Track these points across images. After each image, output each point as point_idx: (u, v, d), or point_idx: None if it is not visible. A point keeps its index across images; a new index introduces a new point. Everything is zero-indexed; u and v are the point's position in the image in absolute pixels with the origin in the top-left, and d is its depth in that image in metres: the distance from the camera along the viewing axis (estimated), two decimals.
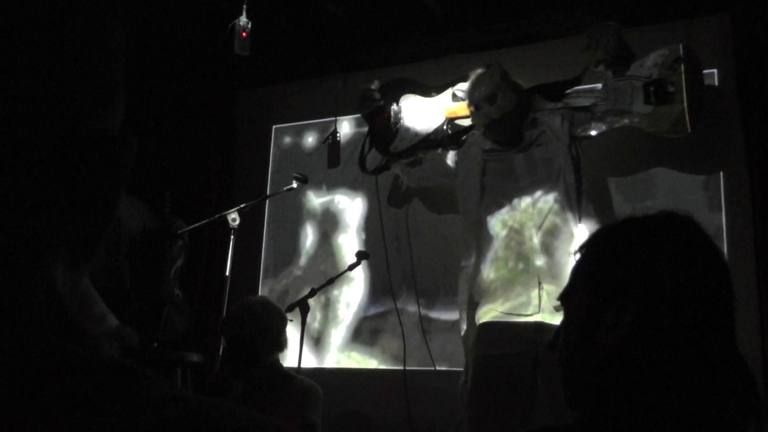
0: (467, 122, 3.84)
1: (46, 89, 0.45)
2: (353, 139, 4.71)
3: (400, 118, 4.07)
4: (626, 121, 3.63)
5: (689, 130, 3.51)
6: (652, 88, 3.53)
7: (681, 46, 3.59)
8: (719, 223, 3.79)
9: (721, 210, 3.82)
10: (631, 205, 3.89)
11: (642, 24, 4.10)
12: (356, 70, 4.77)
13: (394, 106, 4.11)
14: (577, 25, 4.20)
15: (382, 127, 4.08)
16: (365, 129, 4.39)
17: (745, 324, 3.48)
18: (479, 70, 3.67)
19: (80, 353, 0.43)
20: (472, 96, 3.64)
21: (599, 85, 3.73)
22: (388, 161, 4.14)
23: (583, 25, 4.15)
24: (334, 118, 4.74)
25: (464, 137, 3.87)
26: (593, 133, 3.68)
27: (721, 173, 3.86)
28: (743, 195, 3.73)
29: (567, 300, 1.22)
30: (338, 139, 4.71)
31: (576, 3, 4.23)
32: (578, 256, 1.22)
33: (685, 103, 3.48)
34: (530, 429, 1.12)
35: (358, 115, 4.65)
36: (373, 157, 4.22)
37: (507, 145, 3.60)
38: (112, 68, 0.50)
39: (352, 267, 4.02)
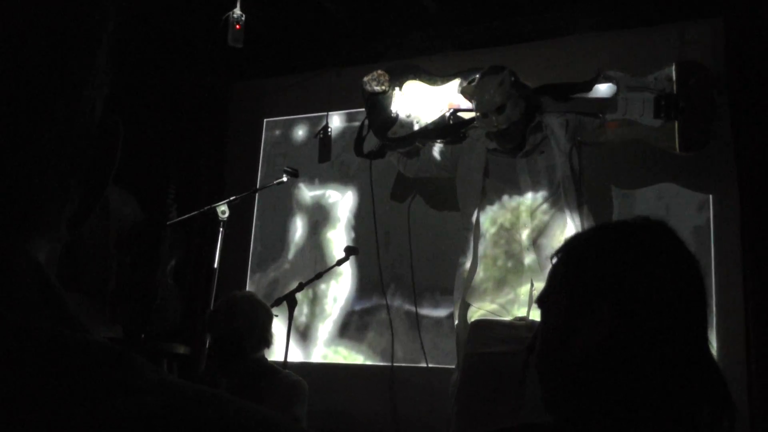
0: (471, 114, 3.76)
1: (37, 79, 0.46)
2: (345, 134, 4.71)
3: (402, 104, 3.98)
4: (634, 132, 3.61)
5: (677, 150, 3.51)
6: (663, 102, 3.51)
7: (696, 63, 3.58)
8: (707, 224, 3.82)
9: (709, 211, 3.84)
10: (630, 212, 3.88)
11: (635, 26, 4.12)
12: (350, 66, 4.76)
13: (397, 91, 4.04)
14: (572, 25, 4.20)
15: (383, 112, 4.00)
16: (356, 124, 4.37)
17: (732, 327, 3.51)
18: (488, 73, 3.58)
19: (69, 336, 0.43)
20: (479, 102, 3.55)
21: (610, 93, 3.70)
22: (383, 147, 4.07)
23: (579, 24, 4.16)
24: (325, 113, 4.74)
25: (466, 130, 3.82)
26: (599, 140, 3.65)
27: (710, 174, 3.87)
28: (732, 198, 3.75)
29: (544, 303, 1.24)
30: (329, 133, 4.70)
31: (571, 3, 4.23)
32: (555, 260, 1.24)
33: (678, 123, 3.48)
34: (510, 426, 1.15)
35: (350, 110, 4.63)
36: (370, 142, 4.13)
37: (511, 149, 3.59)
38: (104, 59, 0.50)
39: (340, 262, 4.02)
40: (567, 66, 4.08)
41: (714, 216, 3.82)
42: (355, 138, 4.21)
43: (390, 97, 4.00)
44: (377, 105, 4.01)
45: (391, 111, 3.97)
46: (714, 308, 3.58)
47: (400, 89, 4.02)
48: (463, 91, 3.79)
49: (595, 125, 3.63)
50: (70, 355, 0.42)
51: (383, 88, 3.98)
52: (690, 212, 3.84)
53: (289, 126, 4.99)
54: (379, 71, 4.01)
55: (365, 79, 4.02)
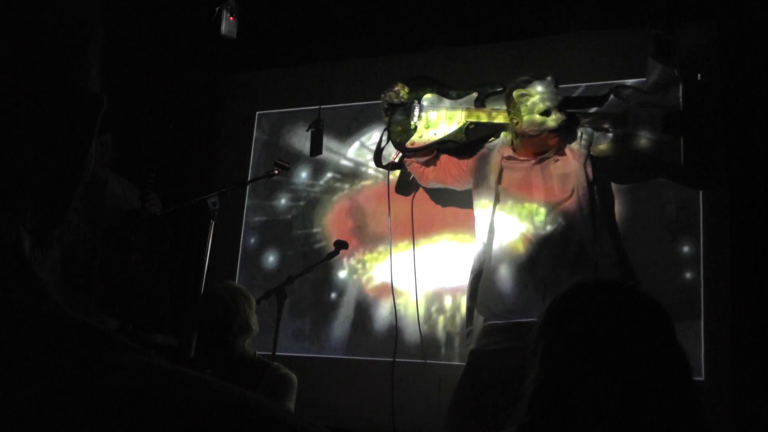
0: (486, 130, 3.80)
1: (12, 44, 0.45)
2: (337, 128, 4.70)
3: (420, 116, 4.02)
4: (643, 146, 3.64)
5: (682, 164, 3.56)
6: (671, 119, 3.53)
7: (703, 83, 3.62)
8: (697, 225, 3.83)
9: (699, 212, 3.85)
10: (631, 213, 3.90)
11: (629, 27, 4.12)
12: (343, 59, 4.75)
13: (416, 104, 4.05)
14: (566, 23, 4.20)
15: (401, 123, 4.03)
16: (350, 118, 4.36)
17: (720, 330, 3.52)
18: (531, 80, 3.60)
19: (45, 311, 0.42)
20: (526, 105, 3.56)
21: (620, 109, 3.71)
22: (402, 158, 4.09)
23: (573, 23, 4.16)
24: (318, 107, 4.72)
25: (482, 145, 3.85)
26: (611, 155, 3.68)
27: (701, 174, 3.88)
28: (722, 199, 3.76)
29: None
30: (321, 127, 4.69)
31: (565, 2, 4.23)
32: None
33: (683, 139, 3.53)
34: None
35: (343, 104, 4.62)
36: (388, 153, 4.15)
37: (527, 156, 3.61)
38: (83, 33, 0.50)
39: (330, 256, 4.02)
40: (561, 65, 4.07)
41: (704, 216, 3.83)
42: (374, 149, 4.21)
43: (409, 109, 4.02)
44: (396, 116, 4.03)
45: (410, 123, 3.99)
46: (702, 311, 3.60)
47: (419, 101, 4.03)
48: (479, 98, 3.84)
49: (606, 140, 3.66)
50: (46, 331, 0.41)
51: (402, 99, 4.01)
52: (679, 212, 3.85)
53: (282, 119, 4.97)
54: (399, 84, 4.03)
55: (384, 91, 4.04)
